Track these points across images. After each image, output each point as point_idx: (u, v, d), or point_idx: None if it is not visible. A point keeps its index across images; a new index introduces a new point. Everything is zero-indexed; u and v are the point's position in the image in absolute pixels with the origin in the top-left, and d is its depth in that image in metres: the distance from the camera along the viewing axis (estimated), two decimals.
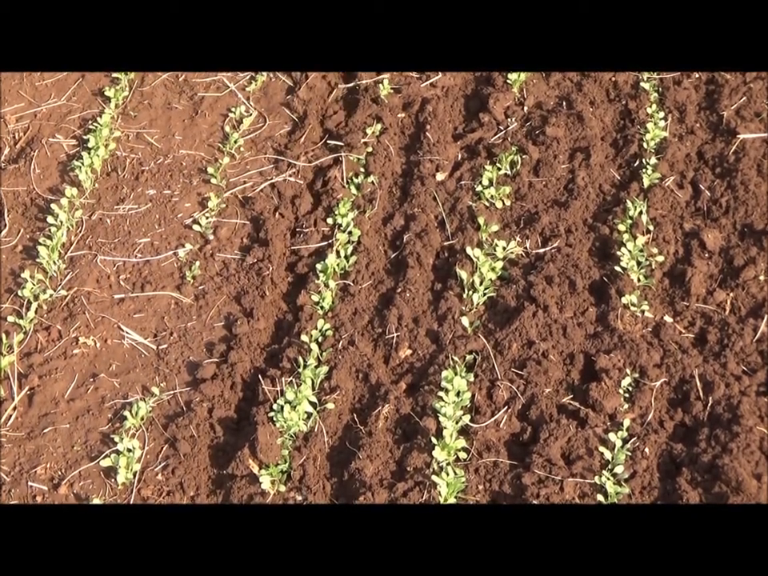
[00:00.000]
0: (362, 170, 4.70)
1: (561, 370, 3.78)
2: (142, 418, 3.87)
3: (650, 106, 4.73)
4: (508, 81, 4.93)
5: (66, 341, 4.20)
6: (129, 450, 3.74)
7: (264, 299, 4.25)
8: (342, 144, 4.80)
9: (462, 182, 4.55)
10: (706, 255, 4.11)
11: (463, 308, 4.06)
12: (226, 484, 3.66)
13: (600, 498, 3.36)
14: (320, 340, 4.03)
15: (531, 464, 3.48)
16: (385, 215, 4.55)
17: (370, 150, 4.76)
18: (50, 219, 4.63)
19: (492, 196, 4.46)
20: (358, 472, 3.55)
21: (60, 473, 3.78)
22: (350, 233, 4.40)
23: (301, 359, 3.91)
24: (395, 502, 3.43)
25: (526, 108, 4.85)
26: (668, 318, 3.93)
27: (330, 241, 4.40)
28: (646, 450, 3.49)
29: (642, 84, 4.87)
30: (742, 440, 3.41)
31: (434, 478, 3.43)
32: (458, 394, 3.70)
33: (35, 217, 4.74)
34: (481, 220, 4.33)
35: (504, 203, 4.46)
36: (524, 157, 4.60)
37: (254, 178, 4.80)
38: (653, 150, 4.53)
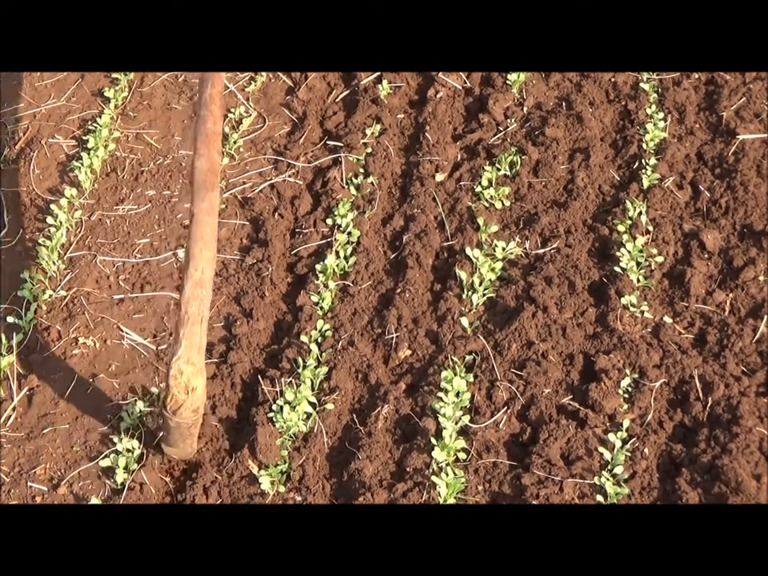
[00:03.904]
0: (362, 170, 4.70)
1: (560, 371, 3.78)
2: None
3: (650, 107, 4.73)
4: (507, 81, 4.93)
5: (66, 341, 4.19)
6: (128, 451, 3.74)
7: (263, 300, 4.24)
8: (342, 145, 4.80)
9: (462, 183, 4.55)
10: (706, 256, 4.11)
11: (463, 308, 4.06)
12: None
13: (600, 498, 3.36)
14: (319, 340, 4.03)
15: (531, 464, 3.48)
16: (384, 216, 4.55)
17: (369, 150, 4.76)
18: (49, 219, 4.63)
19: (491, 196, 4.46)
20: (357, 472, 3.55)
21: (59, 473, 3.78)
22: (349, 233, 4.40)
23: (300, 360, 3.91)
24: (395, 503, 3.43)
25: (525, 108, 4.85)
26: (667, 319, 3.93)
27: (330, 241, 4.40)
28: (646, 450, 3.49)
29: (641, 85, 4.87)
30: (742, 441, 3.41)
31: (433, 478, 3.43)
32: (457, 395, 3.70)
33: (35, 217, 4.73)
34: (480, 220, 4.33)
35: (503, 204, 4.46)
36: (523, 157, 4.60)
37: (254, 178, 4.79)
38: (652, 151, 4.54)
